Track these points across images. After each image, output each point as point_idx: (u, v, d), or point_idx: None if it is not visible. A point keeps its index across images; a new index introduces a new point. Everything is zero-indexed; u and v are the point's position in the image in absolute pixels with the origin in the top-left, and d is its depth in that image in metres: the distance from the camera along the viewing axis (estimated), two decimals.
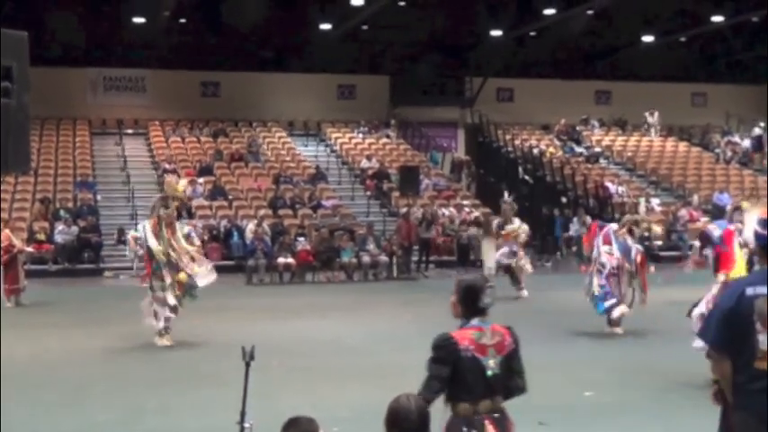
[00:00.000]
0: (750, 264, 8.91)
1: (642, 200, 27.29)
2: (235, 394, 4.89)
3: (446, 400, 4.35)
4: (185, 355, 11.62)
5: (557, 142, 33.03)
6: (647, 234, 18.68)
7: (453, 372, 4.29)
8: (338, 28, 30.21)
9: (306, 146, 31.73)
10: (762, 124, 32.99)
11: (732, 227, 9.69)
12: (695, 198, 28.41)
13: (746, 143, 33.41)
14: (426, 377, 4.31)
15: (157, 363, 11.21)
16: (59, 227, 23.00)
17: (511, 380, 4.43)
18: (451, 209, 26.06)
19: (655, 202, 28.02)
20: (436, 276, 22.00)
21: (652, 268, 13.70)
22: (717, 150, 33.49)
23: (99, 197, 26.12)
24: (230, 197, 26.26)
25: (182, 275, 12.09)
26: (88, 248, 23.01)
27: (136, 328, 12.45)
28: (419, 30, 31.95)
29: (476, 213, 25.66)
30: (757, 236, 4.39)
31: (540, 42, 33.34)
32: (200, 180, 26.51)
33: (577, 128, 34.13)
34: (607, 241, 12.79)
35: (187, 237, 12.55)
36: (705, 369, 4.83)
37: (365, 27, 31.25)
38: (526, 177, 29.60)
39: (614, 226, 13.52)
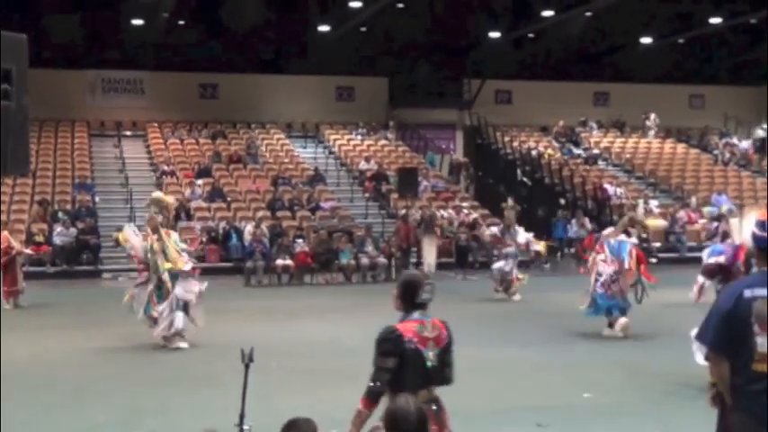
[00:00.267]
0: (748, 266, 8.92)
1: (641, 201, 27.23)
2: (234, 396, 4.90)
3: (388, 390, 4.51)
4: (184, 357, 11.62)
5: (555, 144, 33.02)
6: (644, 236, 18.65)
7: (398, 363, 4.50)
8: (337, 30, 30.19)
9: (304, 148, 31.70)
10: (764, 126, 33.03)
11: (738, 242, 9.70)
12: (693, 200, 28.41)
13: (744, 144, 33.44)
14: (375, 369, 4.55)
15: (156, 364, 11.22)
16: (58, 228, 22.95)
17: (443, 371, 4.66)
18: (450, 210, 26.04)
19: (653, 203, 28.01)
20: (435, 278, 21.92)
21: (653, 260, 13.70)
22: (715, 152, 33.47)
23: (97, 199, 26.08)
24: (229, 199, 26.21)
25: (167, 265, 12.10)
26: (87, 250, 22.97)
27: (135, 330, 12.45)
28: (418, 32, 31.93)
29: (474, 215, 25.65)
30: (755, 238, 4.38)
31: (539, 44, 33.36)
32: (199, 182, 26.48)
33: (576, 129, 34.11)
34: (601, 250, 12.86)
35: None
36: (703, 371, 4.84)
37: (364, 29, 31.19)
38: (525, 179, 29.62)
39: (606, 231, 13.60)
